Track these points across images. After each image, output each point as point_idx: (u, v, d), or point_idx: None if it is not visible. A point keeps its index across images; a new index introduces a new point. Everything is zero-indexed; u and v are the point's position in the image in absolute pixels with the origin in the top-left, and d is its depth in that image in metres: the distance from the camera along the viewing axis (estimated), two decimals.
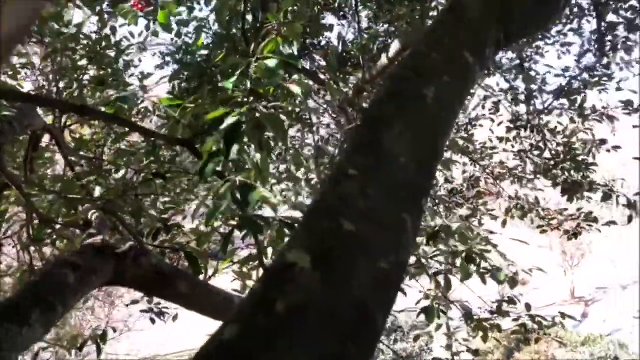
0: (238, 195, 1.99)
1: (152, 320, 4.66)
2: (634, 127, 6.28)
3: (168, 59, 5.21)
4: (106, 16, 4.25)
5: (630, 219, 5.84)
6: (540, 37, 5.48)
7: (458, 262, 3.74)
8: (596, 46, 5.28)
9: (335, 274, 0.97)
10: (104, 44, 4.29)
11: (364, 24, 5.26)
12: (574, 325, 21.06)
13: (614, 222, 6.54)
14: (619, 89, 5.52)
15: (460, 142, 6.20)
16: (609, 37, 5.10)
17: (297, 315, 0.90)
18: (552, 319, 4.51)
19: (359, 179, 1.13)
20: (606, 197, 5.64)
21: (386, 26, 5.17)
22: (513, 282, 3.79)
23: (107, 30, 4.35)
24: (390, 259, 1.04)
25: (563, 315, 4.50)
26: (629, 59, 5.28)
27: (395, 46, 3.35)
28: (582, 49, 5.49)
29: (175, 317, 4.88)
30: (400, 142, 1.24)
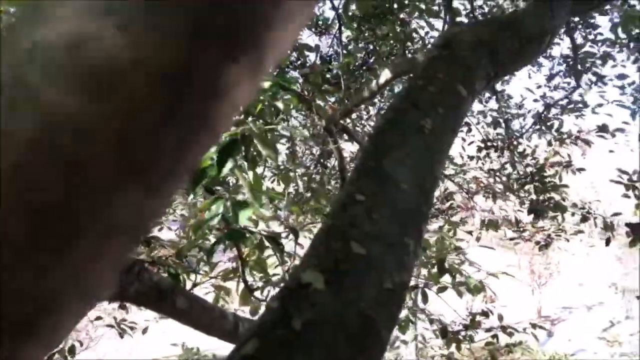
0: (230, 212, 2.05)
1: (120, 335, 4.64)
2: (610, 151, 6.57)
3: None
4: None
5: (608, 241, 6.08)
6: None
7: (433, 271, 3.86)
8: (571, 74, 5.54)
9: (345, 293, 1.06)
10: None
11: (345, 42, 5.39)
12: (541, 343, 21.48)
13: (581, 232, 6.82)
14: (594, 113, 5.79)
15: None
16: (584, 66, 5.36)
17: (311, 330, 0.98)
18: (522, 329, 4.68)
19: (365, 204, 1.23)
20: (584, 219, 5.87)
21: (369, 46, 5.33)
22: (481, 288, 3.93)
23: None
24: (394, 279, 1.13)
25: (534, 326, 4.65)
26: (603, 90, 5.55)
27: (385, 74, 3.49)
28: (552, 71, 5.77)
29: (145, 330, 4.86)
30: (402, 170, 1.34)
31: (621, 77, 5.20)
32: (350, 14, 4.71)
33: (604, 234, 6.12)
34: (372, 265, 1.13)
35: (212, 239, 2.96)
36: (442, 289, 3.98)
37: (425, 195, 1.36)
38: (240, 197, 2.12)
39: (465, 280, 3.99)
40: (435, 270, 3.91)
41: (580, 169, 6.14)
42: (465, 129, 6.47)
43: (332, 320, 1.01)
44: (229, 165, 1.98)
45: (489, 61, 1.87)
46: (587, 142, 5.83)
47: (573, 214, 6.19)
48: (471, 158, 6.41)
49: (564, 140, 5.52)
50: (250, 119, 2.27)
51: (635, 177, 5.01)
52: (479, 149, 6.19)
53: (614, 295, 23.48)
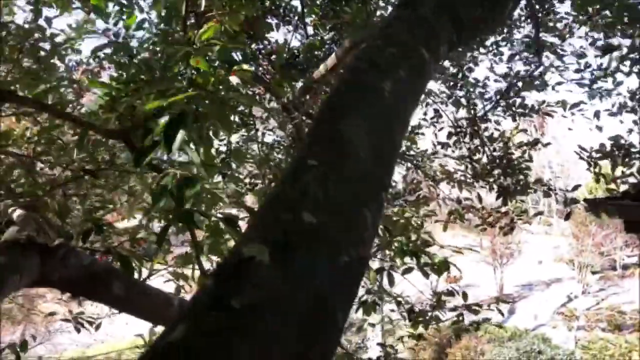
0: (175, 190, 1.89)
1: (77, 329, 4.43)
2: (569, 129, 6.64)
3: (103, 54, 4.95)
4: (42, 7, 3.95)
5: (568, 216, 6.19)
6: (474, 47, 5.69)
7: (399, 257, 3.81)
8: (533, 53, 5.52)
9: (295, 269, 0.92)
10: (36, 35, 3.97)
11: (310, 31, 5.22)
12: (502, 320, 22.07)
13: (540, 213, 7.00)
14: (554, 90, 5.81)
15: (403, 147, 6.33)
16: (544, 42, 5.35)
17: (254, 313, 0.84)
18: (487, 305, 4.72)
19: (318, 170, 1.09)
20: (547, 195, 5.95)
21: (332, 33, 5.17)
22: (445, 266, 3.90)
23: (42, 21, 4.04)
24: (351, 253, 1.00)
25: (498, 301, 4.67)
26: (563, 66, 5.56)
27: (345, 44, 3.34)
28: (512, 53, 5.75)
29: (98, 326, 4.65)
30: (359, 134, 1.21)
31: (579, 56, 5.22)
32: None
33: (562, 212, 6.24)
34: (325, 238, 0.99)
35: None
36: (408, 270, 3.93)
37: (385, 162, 1.24)
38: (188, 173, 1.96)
39: (431, 260, 3.94)
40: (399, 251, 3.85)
41: (547, 144, 6.22)
42: (434, 115, 6.42)
43: (279, 301, 0.87)
44: (178, 139, 1.82)
45: (452, 25, 1.76)
46: (549, 114, 5.89)
47: (535, 191, 6.26)
48: (442, 145, 6.36)
49: (526, 114, 5.53)
50: (201, 93, 2.10)
51: (594, 155, 5.07)
52: (449, 135, 6.16)
53: (570, 271, 24.24)
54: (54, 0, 2.99)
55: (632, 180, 5.05)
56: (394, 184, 6.94)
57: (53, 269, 1.72)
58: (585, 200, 5.48)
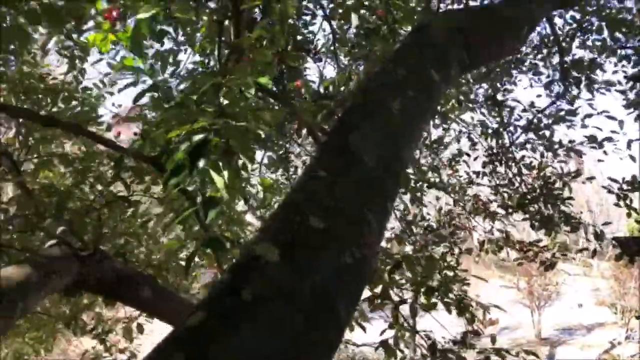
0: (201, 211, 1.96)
1: None
2: (599, 160, 6.49)
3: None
4: (77, 61, 4.16)
5: (594, 253, 5.96)
6: (513, 66, 5.67)
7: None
8: (560, 81, 5.49)
9: (301, 266, 0.99)
10: (71, 87, 4.17)
11: (342, 62, 5.35)
12: None
13: (585, 249, 6.66)
14: (584, 126, 5.70)
15: (445, 176, 6.28)
16: (573, 74, 5.32)
17: (262, 303, 0.91)
18: (515, 353, 4.47)
19: (327, 179, 1.17)
20: (574, 229, 5.71)
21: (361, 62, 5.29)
22: (471, 316, 3.78)
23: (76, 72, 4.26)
24: (354, 254, 1.06)
25: (527, 352, 4.46)
26: (592, 98, 5.50)
27: (365, 70, 3.47)
28: (548, 79, 5.68)
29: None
30: (367, 147, 1.28)
31: (609, 84, 5.17)
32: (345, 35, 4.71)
33: (602, 252, 5.99)
34: (330, 240, 1.06)
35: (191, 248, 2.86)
36: (431, 306, 3.83)
37: (392, 173, 1.30)
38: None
39: (455, 300, 3.83)
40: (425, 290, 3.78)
41: (591, 178, 6.03)
42: (468, 142, 6.36)
43: (285, 294, 0.93)
44: (201, 164, 1.91)
45: (463, 47, 1.83)
46: (579, 153, 5.75)
47: (578, 227, 6.04)
48: (477, 174, 6.25)
49: (556, 150, 5.45)
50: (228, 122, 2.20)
51: (624, 186, 4.92)
52: (484, 164, 6.08)
53: (612, 315, 23.18)
54: (96, 40, 3.17)
55: None
56: (427, 216, 6.81)
57: (89, 272, 1.83)
58: (614, 239, 5.30)
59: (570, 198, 5.59)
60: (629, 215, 4.85)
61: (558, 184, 5.66)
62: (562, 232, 5.78)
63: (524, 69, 5.61)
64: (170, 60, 4.09)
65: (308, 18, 4.71)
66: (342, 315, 1.00)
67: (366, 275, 1.13)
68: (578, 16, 4.93)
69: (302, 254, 1.01)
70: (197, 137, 1.92)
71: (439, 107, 5.45)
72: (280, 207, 1.16)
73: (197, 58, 3.93)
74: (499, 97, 5.67)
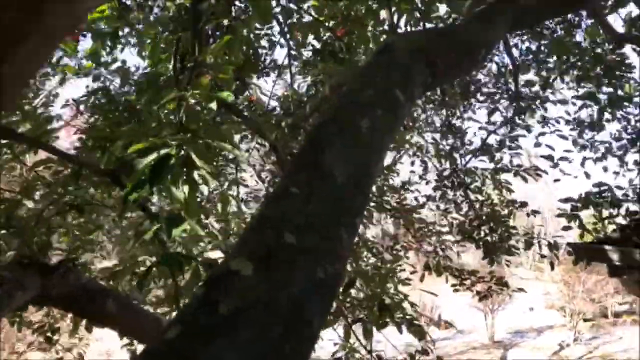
0: (163, 227, 1.96)
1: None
2: (555, 180, 6.71)
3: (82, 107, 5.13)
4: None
5: (552, 266, 6.18)
6: (472, 95, 5.85)
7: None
8: (514, 104, 5.71)
9: (275, 280, 1.04)
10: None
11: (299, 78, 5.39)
12: None
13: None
14: (537, 144, 5.92)
15: (393, 203, 6.34)
16: (525, 94, 5.56)
17: (238, 316, 0.95)
18: None
19: (300, 196, 1.22)
20: (528, 245, 5.86)
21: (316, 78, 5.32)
22: (421, 334, 3.87)
23: None
24: (326, 269, 1.12)
25: None
26: (545, 116, 5.74)
27: (330, 83, 3.54)
28: (494, 105, 5.87)
29: None
30: (338, 165, 1.34)
31: (562, 102, 5.43)
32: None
33: (556, 258, 6.18)
34: (304, 255, 1.11)
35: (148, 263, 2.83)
36: (383, 325, 3.89)
37: (361, 190, 1.37)
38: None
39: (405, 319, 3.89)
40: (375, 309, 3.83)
41: (535, 212, 6.13)
42: (421, 166, 6.48)
43: (260, 307, 0.98)
44: (163, 182, 1.90)
45: (426, 69, 1.92)
46: (538, 174, 5.92)
47: (517, 241, 6.23)
48: (427, 198, 6.36)
49: (502, 171, 5.61)
50: (190, 137, 2.20)
51: (578, 205, 5.13)
52: (435, 188, 6.22)
53: (562, 318, 24.10)
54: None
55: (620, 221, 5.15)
56: (373, 238, 6.82)
57: (52, 286, 1.81)
58: (568, 244, 5.54)
59: (513, 227, 5.76)
60: (582, 235, 5.06)
61: (503, 211, 5.81)
62: (504, 262, 5.92)
63: (481, 98, 5.79)
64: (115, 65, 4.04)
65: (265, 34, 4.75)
66: (315, 328, 1.05)
67: (336, 289, 1.19)
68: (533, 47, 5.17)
69: (277, 269, 1.06)
70: (159, 153, 1.91)
71: None
72: (254, 222, 1.20)
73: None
74: (455, 122, 5.81)
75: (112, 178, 2.35)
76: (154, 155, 1.86)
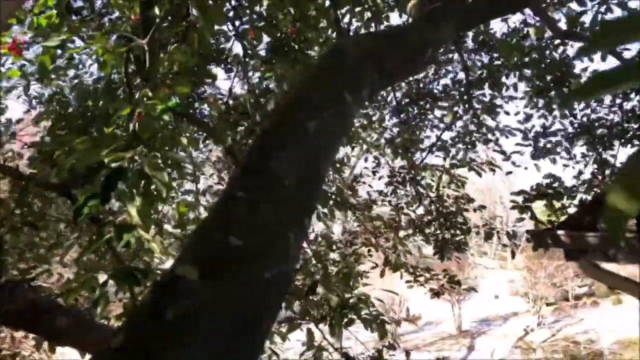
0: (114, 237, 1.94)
1: None
2: (507, 173, 6.96)
3: (35, 103, 5.05)
4: None
5: (513, 254, 6.37)
6: (428, 99, 5.99)
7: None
8: (465, 103, 5.88)
9: (222, 284, 1.06)
10: None
11: (253, 77, 5.42)
12: (462, 357, 22.20)
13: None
14: (487, 141, 6.11)
15: (347, 196, 6.41)
16: (476, 93, 5.73)
17: (185, 322, 0.97)
18: None
19: (246, 200, 1.24)
20: (489, 236, 6.04)
21: (272, 84, 5.35)
22: (383, 332, 3.93)
23: None
24: (274, 270, 1.14)
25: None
26: (495, 116, 5.93)
27: (284, 89, 3.57)
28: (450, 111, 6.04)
29: None
30: (285, 167, 1.37)
31: (510, 99, 5.63)
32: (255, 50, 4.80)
33: (515, 246, 6.34)
34: (251, 257, 1.13)
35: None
36: (349, 323, 3.94)
37: (309, 191, 1.40)
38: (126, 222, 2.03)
39: (370, 318, 3.94)
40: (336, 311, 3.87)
41: (482, 207, 6.31)
42: (374, 162, 6.59)
43: (208, 312, 1.00)
44: (115, 193, 1.89)
45: (375, 70, 1.97)
46: (492, 168, 6.11)
47: (478, 233, 6.41)
48: (380, 193, 6.49)
49: (455, 167, 5.78)
50: (143, 149, 2.18)
51: (530, 196, 5.31)
52: (388, 184, 6.38)
53: (526, 304, 24.80)
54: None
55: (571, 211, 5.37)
56: (332, 235, 6.89)
57: (1, 302, 1.77)
58: (527, 231, 5.74)
59: (464, 223, 5.91)
60: (535, 225, 5.25)
61: (453, 208, 5.96)
62: (454, 258, 6.07)
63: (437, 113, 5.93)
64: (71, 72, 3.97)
65: (221, 33, 4.75)
66: (264, 329, 1.08)
67: (285, 289, 1.22)
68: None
69: (222, 272, 1.08)
70: (112, 166, 1.90)
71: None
72: (199, 227, 1.22)
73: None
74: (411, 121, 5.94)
75: (62, 192, 2.31)
76: (106, 170, 1.85)
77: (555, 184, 4.95)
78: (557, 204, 5.02)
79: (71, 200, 2.28)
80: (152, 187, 2.08)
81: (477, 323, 26.20)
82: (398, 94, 5.83)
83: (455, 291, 24.80)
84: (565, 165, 5.86)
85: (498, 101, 5.67)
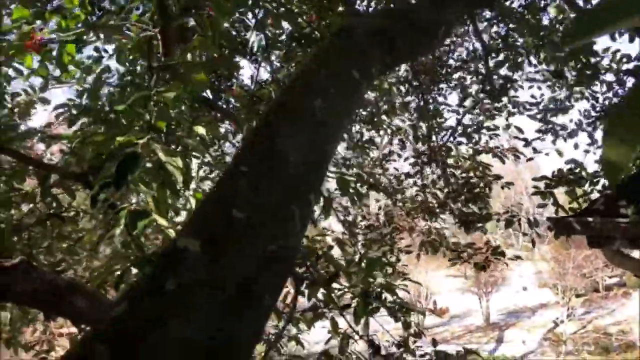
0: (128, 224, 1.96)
1: None
2: (528, 160, 6.84)
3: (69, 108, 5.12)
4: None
5: (533, 243, 6.26)
6: (443, 80, 5.93)
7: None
8: (484, 87, 5.79)
9: (223, 257, 1.05)
10: None
11: (277, 64, 5.44)
12: (490, 350, 21.97)
13: (519, 257, 6.92)
14: (508, 126, 6.01)
15: (377, 175, 6.44)
16: (497, 77, 5.63)
17: (185, 293, 0.96)
18: (455, 352, 4.55)
19: (250, 174, 1.23)
20: (509, 224, 5.95)
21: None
22: (407, 325, 3.88)
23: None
24: (278, 244, 1.13)
25: (467, 351, 4.60)
26: (516, 98, 5.83)
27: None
28: (465, 90, 5.94)
29: None
30: (290, 144, 1.35)
31: (531, 80, 5.50)
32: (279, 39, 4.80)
33: (542, 237, 6.22)
34: (253, 231, 1.12)
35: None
36: (373, 311, 3.91)
37: (314, 167, 1.38)
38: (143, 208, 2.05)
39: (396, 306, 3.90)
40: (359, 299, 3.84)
41: (509, 184, 6.29)
42: (398, 144, 6.62)
43: (208, 284, 0.99)
44: (129, 179, 1.90)
45: (384, 48, 1.94)
46: (516, 155, 6.03)
47: (498, 220, 6.32)
48: (407, 176, 6.47)
49: (480, 152, 5.71)
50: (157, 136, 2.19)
51: (552, 183, 5.20)
52: (413, 164, 6.32)
53: (555, 296, 24.41)
54: (13, 52, 3.09)
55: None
56: (367, 216, 6.94)
57: (14, 283, 1.81)
58: (548, 219, 5.62)
59: (487, 196, 5.84)
60: (556, 212, 5.14)
61: (479, 185, 5.90)
62: (483, 231, 6.01)
63: (453, 84, 5.88)
64: (98, 69, 4.02)
65: (242, 24, 4.77)
66: (265, 301, 1.07)
67: (289, 263, 1.20)
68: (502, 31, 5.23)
69: (225, 244, 1.07)
70: (125, 152, 1.92)
71: (371, 114, 5.68)
72: (202, 202, 1.22)
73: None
74: (430, 105, 5.89)
75: (81, 181, 2.34)
76: (119, 157, 1.87)
77: (577, 170, 4.82)
78: (579, 191, 4.89)
79: (90, 189, 2.31)
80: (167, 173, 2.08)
81: (505, 315, 25.91)
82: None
83: (491, 279, 24.42)
84: (587, 151, 5.73)
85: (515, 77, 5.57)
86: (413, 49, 2.17)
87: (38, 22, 3.26)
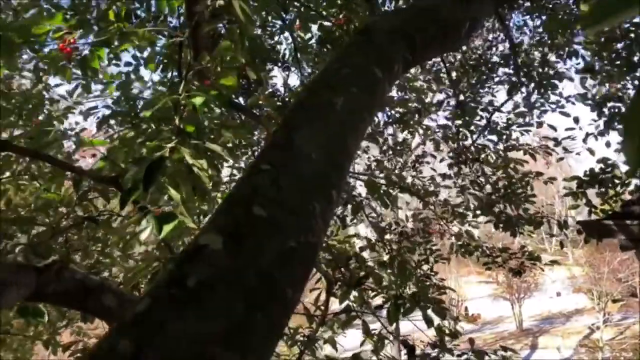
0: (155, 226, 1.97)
1: None
2: (558, 160, 6.67)
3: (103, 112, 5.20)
4: (41, 73, 4.16)
5: (562, 245, 6.10)
6: (489, 77, 5.84)
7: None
8: (517, 81, 5.67)
9: (244, 253, 1.05)
10: (34, 101, 4.14)
11: (308, 70, 5.47)
12: (525, 356, 21.46)
13: (555, 262, 6.74)
14: (540, 124, 5.88)
15: (409, 178, 6.36)
16: (528, 73, 5.52)
17: (207, 289, 0.97)
18: (493, 352, 4.46)
19: (271, 172, 1.23)
20: (538, 225, 5.79)
21: None
22: (442, 314, 3.81)
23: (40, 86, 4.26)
24: (298, 240, 1.13)
25: (505, 349, 4.52)
26: (547, 95, 5.69)
27: None
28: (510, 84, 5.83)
29: None
30: (310, 142, 1.35)
31: (558, 74, 5.35)
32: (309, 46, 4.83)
33: (575, 242, 6.06)
34: (274, 228, 1.12)
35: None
36: (407, 312, 3.87)
37: (336, 165, 1.37)
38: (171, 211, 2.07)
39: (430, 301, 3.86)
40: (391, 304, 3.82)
41: (552, 178, 6.18)
42: (432, 146, 6.52)
43: (229, 279, 0.99)
44: (156, 181, 1.93)
45: (405, 46, 1.93)
46: (548, 152, 5.88)
47: (542, 223, 6.12)
48: (443, 177, 6.36)
49: (511, 150, 5.58)
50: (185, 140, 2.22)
51: (584, 183, 5.05)
52: (450, 165, 6.22)
53: (590, 301, 23.72)
54: (54, 68, 3.17)
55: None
56: (401, 223, 6.82)
57: (48, 283, 1.86)
58: (578, 222, 5.46)
59: (532, 195, 5.69)
60: (589, 213, 4.99)
61: (520, 184, 5.75)
62: (526, 233, 5.86)
63: (497, 79, 5.77)
64: (132, 76, 4.11)
65: (273, 29, 4.81)
66: (287, 297, 1.06)
67: (311, 259, 1.19)
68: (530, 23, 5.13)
69: (246, 241, 1.07)
70: (153, 156, 1.95)
71: (401, 116, 5.63)
72: (225, 200, 1.22)
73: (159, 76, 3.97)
74: (465, 102, 5.79)
75: (113, 185, 2.38)
76: (148, 159, 1.90)
77: (609, 169, 4.67)
78: (612, 192, 4.73)
79: (122, 193, 2.36)
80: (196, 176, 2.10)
81: (538, 321, 25.30)
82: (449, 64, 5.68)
83: (525, 284, 23.84)
84: (618, 151, 5.53)
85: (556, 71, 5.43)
86: (434, 46, 2.15)
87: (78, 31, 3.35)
